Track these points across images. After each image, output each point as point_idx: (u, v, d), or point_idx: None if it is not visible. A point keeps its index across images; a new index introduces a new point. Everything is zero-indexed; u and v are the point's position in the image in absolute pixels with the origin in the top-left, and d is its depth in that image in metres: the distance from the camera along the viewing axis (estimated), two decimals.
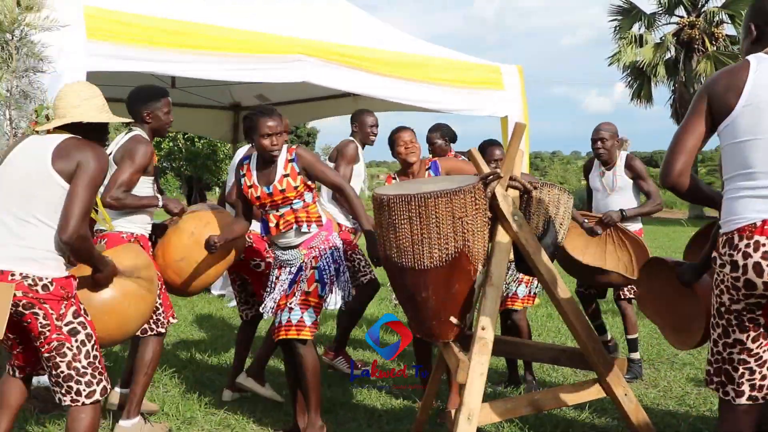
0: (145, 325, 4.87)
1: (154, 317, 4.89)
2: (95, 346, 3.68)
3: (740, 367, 3.14)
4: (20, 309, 3.50)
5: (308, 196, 4.67)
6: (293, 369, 4.82)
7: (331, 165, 6.37)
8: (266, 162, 4.66)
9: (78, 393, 3.61)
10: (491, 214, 4.03)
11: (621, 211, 6.19)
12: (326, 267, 4.65)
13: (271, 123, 4.53)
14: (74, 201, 3.53)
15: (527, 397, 4.34)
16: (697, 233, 4.27)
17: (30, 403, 4.97)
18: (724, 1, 32.14)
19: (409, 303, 4.03)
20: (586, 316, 6.50)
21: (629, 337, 6.35)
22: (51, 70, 5.03)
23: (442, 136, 6.74)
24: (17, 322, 3.58)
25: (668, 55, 33.72)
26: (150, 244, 5.06)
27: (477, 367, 3.89)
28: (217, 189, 45.81)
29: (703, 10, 33.31)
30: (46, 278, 3.53)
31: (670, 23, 34.50)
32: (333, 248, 4.71)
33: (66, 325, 3.57)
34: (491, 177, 4.00)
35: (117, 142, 4.95)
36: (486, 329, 3.94)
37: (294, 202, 4.62)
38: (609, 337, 6.49)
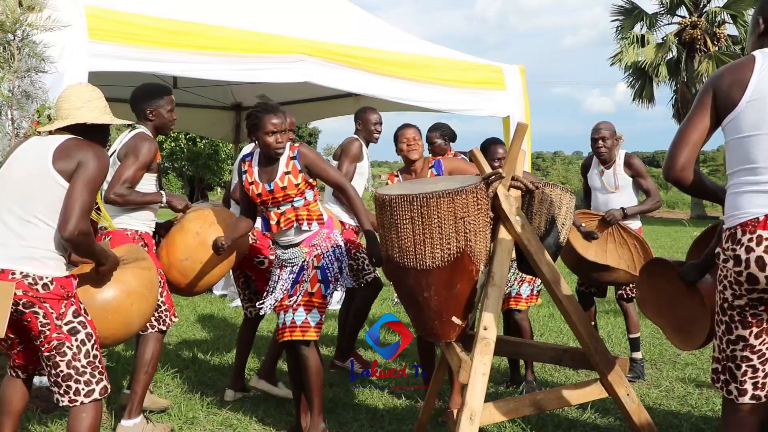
0: (147, 323, 4.89)
1: (156, 314, 4.91)
2: (95, 346, 3.68)
3: (743, 365, 3.13)
4: (20, 308, 3.52)
5: (309, 194, 4.66)
6: (296, 370, 4.82)
7: (335, 163, 6.36)
8: (268, 159, 4.65)
9: (77, 392, 3.61)
10: (493, 214, 4.03)
11: (622, 209, 6.20)
12: (329, 265, 4.65)
13: (276, 120, 4.52)
14: (74, 198, 3.54)
15: (529, 397, 4.33)
16: (699, 237, 4.26)
17: (33, 403, 4.97)
18: (726, 1, 32.13)
19: (411, 303, 4.02)
20: None
21: (631, 336, 6.35)
22: (53, 70, 5.03)
23: (441, 135, 6.74)
24: (18, 321, 3.59)
25: (670, 55, 33.71)
26: (154, 242, 5.07)
27: (479, 367, 3.88)
28: (219, 189, 45.87)
29: (705, 10, 33.30)
30: (47, 277, 3.55)
31: (671, 23, 34.50)
32: (334, 246, 4.71)
33: (66, 324, 3.58)
34: (493, 177, 4.00)
35: (121, 140, 4.97)
36: (488, 329, 3.93)
37: (295, 199, 4.60)
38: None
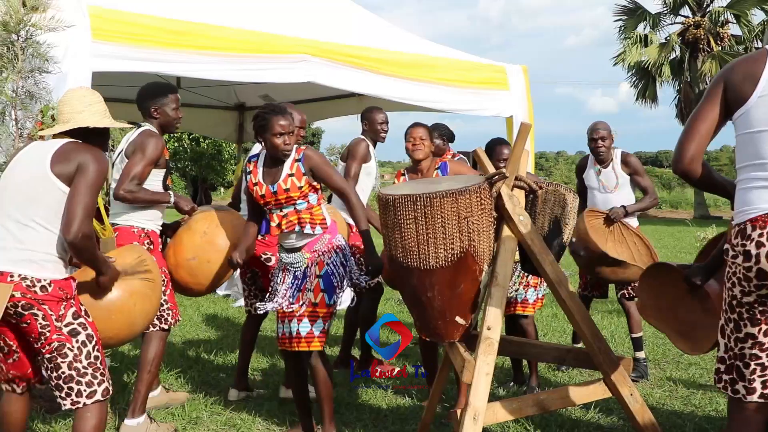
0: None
1: (158, 313, 4.92)
2: (96, 347, 3.69)
3: (752, 363, 3.08)
4: (19, 309, 3.53)
5: (313, 198, 4.63)
6: (297, 375, 4.81)
7: (342, 164, 6.36)
8: (274, 161, 4.63)
9: (79, 394, 3.61)
10: (497, 213, 4.03)
11: (623, 207, 6.22)
12: (332, 272, 4.61)
13: (284, 122, 4.51)
14: (76, 201, 3.55)
15: (533, 397, 4.33)
16: (708, 242, 4.25)
17: (37, 403, 4.98)
18: (730, 1, 32.11)
19: (415, 303, 4.02)
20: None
21: (634, 335, 6.36)
22: (56, 70, 5.03)
23: (440, 135, 6.74)
24: (18, 325, 3.61)
25: (673, 55, 33.71)
26: (161, 243, 5.09)
27: (483, 367, 3.88)
28: (223, 189, 45.88)
29: (708, 10, 33.27)
30: (45, 280, 3.55)
31: (675, 23, 34.50)
32: (337, 251, 4.67)
33: (66, 326, 3.59)
34: (497, 177, 4.00)
35: (127, 139, 5.01)
36: (492, 329, 3.93)
37: (298, 202, 4.58)
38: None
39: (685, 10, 34.11)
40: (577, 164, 6.92)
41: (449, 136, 7.05)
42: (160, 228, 5.10)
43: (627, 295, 6.31)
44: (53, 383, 3.64)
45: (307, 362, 4.65)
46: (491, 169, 4.13)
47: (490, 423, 4.18)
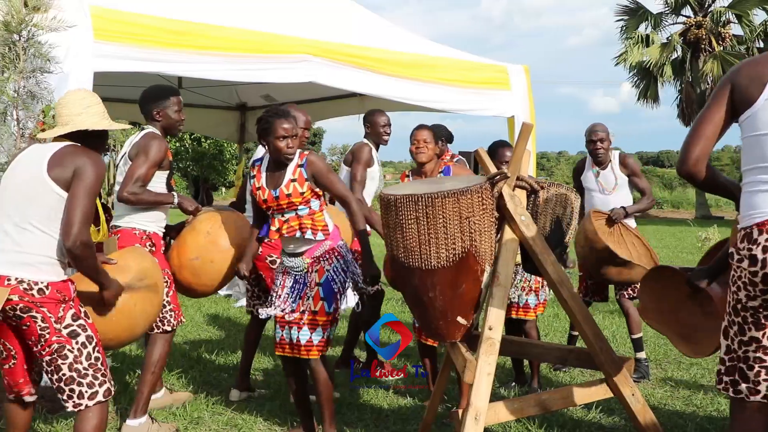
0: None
1: (161, 314, 4.93)
2: (97, 348, 3.69)
3: (756, 366, 3.07)
4: (18, 312, 3.55)
5: (315, 204, 4.61)
6: (296, 378, 4.81)
7: (347, 169, 6.35)
8: (277, 165, 4.63)
9: (80, 395, 3.62)
10: (498, 214, 4.03)
11: (623, 208, 6.24)
12: (332, 279, 4.59)
13: (287, 125, 4.50)
14: (75, 207, 3.57)
15: (535, 397, 4.32)
16: (712, 247, 4.25)
17: (38, 403, 4.97)
18: (731, 1, 32.09)
19: (416, 303, 4.02)
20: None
21: (634, 336, 6.36)
22: (58, 70, 5.03)
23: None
24: (18, 328, 3.63)
25: (675, 55, 33.71)
26: (164, 244, 5.10)
27: (484, 367, 3.88)
28: (224, 189, 45.89)
29: (709, 10, 33.27)
30: (42, 282, 3.57)
31: (676, 23, 34.49)
32: (338, 257, 4.66)
33: (65, 327, 3.59)
34: (498, 177, 4.00)
35: (131, 141, 5.03)
36: (493, 329, 3.93)
37: (299, 208, 4.57)
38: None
39: (687, 10, 34.10)
40: (574, 167, 6.94)
41: (448, 137, 7.05)
42: (164, 230, 5.11)
43: (626, 296, 6.32)
44: (55, 385, 3.64)
45: (306, 365, 4.65)
46: (493, 170, 4.13)
47: (492, 423, 4.18)
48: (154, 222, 4.99)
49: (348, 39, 6.98)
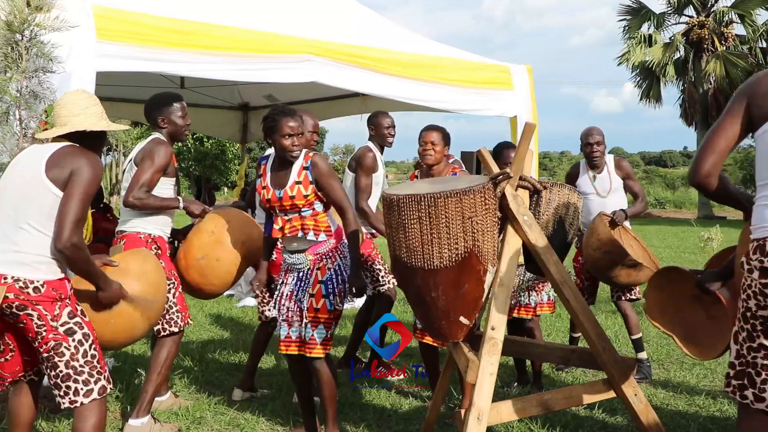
0: (159, 326, 4.96)
1: (168, 316, 4.97)
2: (93, 346, 3.71)
3: (763, 373, 3.06)
4: (14, 310, 3.58)
5: (319, 206, 4.60)
6: (300, 377, 4.81)
7: (351, 175, 6.35)
8: (282, 164, 4.63)
9: (76, 392, 3.64)
10: (501, 214, 4.03)
11: (623, 210, 6.24)
12: (335, 277, 4.59)
13: (293, 123, 4.50)
14: (67, 209, 3.59)
15: (537, 397, 4.32)
16: (721, 251, 4.24)
17: (41, 403, 4.98)
18: (734, 1, 32.08)
19: (419, 303, 4.02)
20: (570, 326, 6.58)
21: (633, 337, 6.36)
22: (61, 70, 5.03)
23: None
24: (15, 324, 3.66)
25: (677, 55, 33.73)
26: (171, 248, 5.14)
27: (487, 367, 3.88)
28: (226, 189, 45.90)
29: (712, 10, 33.28)
30: (37, 281, 3.60)
31: (679, 23, 34.52)
32: (340, 256, 4.66)
33: (62, 325, 3.62)
34: (501, 177, 3.99)
35: (138, 148, 5.09)
36: (496, 329, 3.93)
37: (303, 209, 4.57)
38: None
39: (690, 10, 34.11)
40: (568, 172, 6.95)
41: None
42: (169, 234, 5.16)
43: (623, 297, 6.32)
44: (52, 382, 3.68)
45: (310, 364, 4.65)
46: (496, 170, 4.13)
47: (494, 423, 4.18)
48: (159, 226, 5.03)
49: (350, 39, 6.98)
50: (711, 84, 32.53)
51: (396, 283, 5.93)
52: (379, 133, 6.47)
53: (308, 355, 4.58)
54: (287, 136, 4.49)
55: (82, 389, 3.64)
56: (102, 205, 10.80)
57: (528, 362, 6.17)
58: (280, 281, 4.75)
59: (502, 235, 4.11)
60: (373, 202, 6.27)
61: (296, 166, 4.58)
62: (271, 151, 4.89)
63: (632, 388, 4.19)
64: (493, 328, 3.93)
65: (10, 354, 3.80)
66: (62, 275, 3.70)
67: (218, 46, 6.01)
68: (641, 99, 34.26)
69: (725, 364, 6.47)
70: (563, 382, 6.23)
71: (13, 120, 4.96)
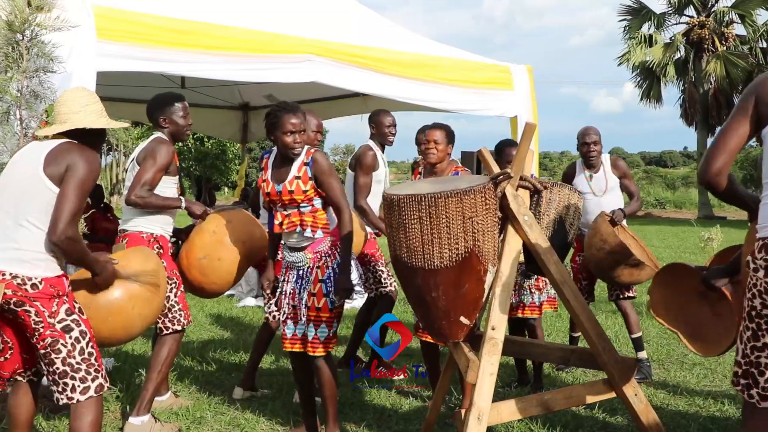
0: (161, 324, 5.00)
1: (170, 315, 5.01)
2: (90, 344, 3.74)
3: (767, 372, 3.06)
4: (12, 306, 3.62)
5: (318, 202, 4.60)
6: (303, 374, 4.82)
7: (352, 174, 6.35)
8: (284, 160, 4.63)
9: (73, 389, 3.67)
10: (501, 214, 4.03)
11: (621, 210, 6.25)
12: (333, 276, 4.59)
13: (295, 120, 4.50)
14: (63, 203, 3.61)
15: (537, 397, 4.33)
16: (724, 249, 4.24)
17: (41, 403, 4.99)
18: (734, 1, 32.08)
19: (419, 303, 4.02)
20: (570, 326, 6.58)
21: (633, 336, 6.36)
22: (61, 70, 5.03)
23: None
24: (13, 321, 3.70)
25: (678, 55, 33.74)
26: (174, 247, 5.19)
27: (487, 367, 3.88)
28: (226, 189, 45.91)
29: (713, 10, 33.28)
30: (35, 278, 3.62)
31: (679, 23, 34.52)
32: (340, 254, 4.65)
33: (59, 322, 3.65)
34: (501, 177, 4.00)
35: (140, 147, 5.13)
36: (496, 329, 3.94)
37: (302, 205, 4.57)
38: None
39: (690, 10, 34.11)
40: (564, 171, 6.95)
41: None
42: (171, 233, 5.19)
43: (622, 296, 6.32)
44: (50, 379, 3.71)
45: (312, 362, 4.66)
46: (496, 169, 4.13)
47: (495, 423, 4.18)
48: (161, 225, 5.06)
49: (351, 39, 6.98)
50: (711, 84, 32.53)
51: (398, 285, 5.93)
52: (380, 132, 6.47)
53: (310, 353, 4.58)
54: (289, 133, 4.49)
55: (78, 386, 3.67)
56: (102, 205, 10.83)
57: (528, 362, 6.17)
58: (282, 279, 4.76)
59: (502, 235, 4.11)
60: (375, 201, 6.26)
61: (297, 162, 4.58)
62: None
63: (632, 388, 4.20)
64: (493, 328, 3.93)
65: (9, 352, 3.82)
66: (60, 272, 3.73)
67: (219, 46, 6.01)
68: (641, 99, 34.27)
69: (725, 364, 6.51)
70: (563, 382, 6.23)
71: (13, 120, 4.97)
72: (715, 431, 5.01)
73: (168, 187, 5.03)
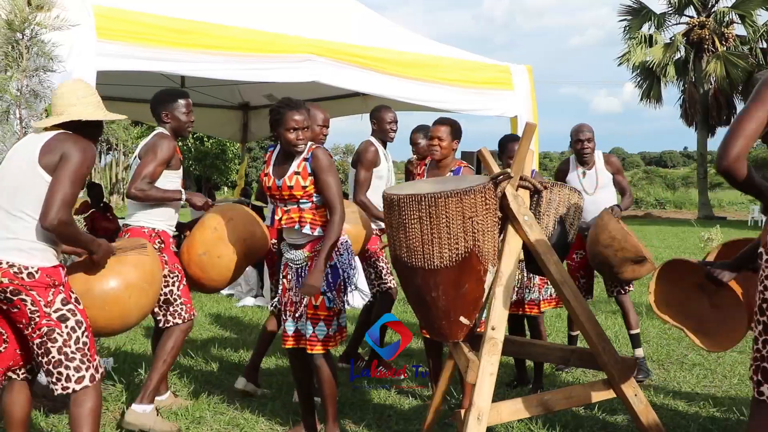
0: (162, 317, 5.07)
1: (171, 309, 5.06)
2: (86, 333, 3.79)
3: None
4: (8, 295, 3.66)
5: (318, 199, 4.58)
6: (301, 373, 4.82)
7: (353, 170, 6.36)
8: (286, 155, 4.62)
9: (68, 379, 3.73)
10: (501, 214, 4.03)
11: (618, 206, 6.25)
12: (333, 274, 4.58)
13: (298, 117, 4.49)
14: (55, 188, 3.65)
15: (537, 397, 4.33)
16: (721, 246, 4.23)
17: (39, 402, 5.00)
18: (735, 1, 32.08)
19: (419, 303, 4.02)
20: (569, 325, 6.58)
21: (632, 332, 6.36)
22: (61, 69, 5.03)
23: (425, 136, 6.70)
24: (8, 312, 3.74)
25: (678, 55, 33.72)
26: (177, 241, 5.24)
27: (487, 367, 3.88)
28: (226, 189, 45.91)
29: (713, 10, 33.27)
30: (32, 267, 3.67)
31: (680, 23, 34.50)
32: (338, 253, 4.64)
33: (55, 311, 3.70)
34: (501, 177, 3.99)
35: (143, 143, 5.17)
36: (496, 329, 3.93)
37: (301, 201, 4.55)
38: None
39: (690, 11, 34.10)
40: (557, 169, 6.94)
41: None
42: (174, 228, 5.22)
43: (623, 291, 6.33)
44: (45, 369, 3.75)
45: (311, 360, 4.65)
46: (496, 170, 4.14)
47: (494, 423, 4.18)
48: (162, 220, 5.09)
49: (351, 39, 6.98)
50: (711, 84, 32.53)
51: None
52: (382, 128, 6.47)
53: (309, 351, 4.58)
54: (292, 130, 4.48)
55: (73, 375, 3.73)
56: (102, 204, 10.84)
57: (528, 362, 6.17)
58: (281, 275, 4.76)
59: (502, 235, 4.11)
60: (375, 196, 6.24)
61: (298, 158, 4.57)
62: None
63: (632, 389, 4.19)
64: (493, 328, 3.93)
65: (4, 345, 3.85)
66: (57, 262, 3.78)
67: (219, 46, 6.02)
68: (641, 99, 34.26)
69: (725, 364, 6.52)
70: (563, 382, 6.22)
71: (13, 119, 4.97)
72: (715, 431, 5.01)
73: (170, 181, 5.08)
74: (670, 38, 33.51)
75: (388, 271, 6.26)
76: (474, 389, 3.89)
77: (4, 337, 3.84)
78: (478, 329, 4.43)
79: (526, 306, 5.86)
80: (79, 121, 3.90)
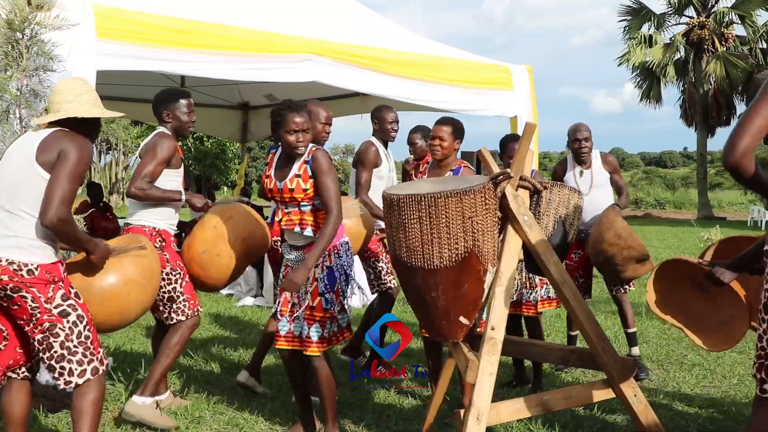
0: (165, 314, 5.10)
1: (174, 306, 5.09)
2: (87, 327, 3.82)
3: None
4: (8, 292, 3.68)
5: (319, 201, 4.57)
6: (298, 372, 4.81)
7: (354, 170, 6.36)
8: (287, 157, 4.62)
9: (70, 373, 3.76)
10: (501, 214, 4.03)
11: (617, 205, 6.25)
12: (331, 276, 4.58)
13: (299, 119, 4.48)
14: (53, 186, 3.66)
15: (537, 397, 4.32)
16: (718, 244, 4.22)
17: (39, 402, 4.99)
18: (734, 2, 32.07)
19: (419, 303, 4.02)
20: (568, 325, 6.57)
21: (629, 330, 6.36)
22: (61, 69, 5.03)
23: (423, 136, 6.70)
24: (8, 309, 3.76)
25: (678, 56, 33.71)
26: (173, 240, 5.22)
27: (486, 367, 3.88)
28: (226, 189, 45.89)
29: (713, 11, 33.26)
30: (31, 264, 3.70)
31: (679, 23, 34.49)
32: (338, 257, 4.64)
33: (56, 307, 3.73)
34: (501, 177, 3.99)
35: (144, 142, 5.17)
36: (495, 329, 3.93)
37: (302, 203, 4.55)
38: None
39: (690, 11, 34.09)
40: (554, 168, 6.93)
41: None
42: (174, 227, 5.24)
43: (623, 290, 6.33)
44: (47, 364, 3.77)
45: (308, 362, 4.65)
46: (496, 170, 4.13)
47: (494, 423, 4.18)
48: (163, 219, 5.11)
49: (351, 39, 6.98)
50: (711, 84, 32.52)
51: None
52: (383, 128, 6.47)
53: (305, 352, 4.58)
54: (292, 132, 4.47)
55: (76, 369, 3.76)
56: (102, 204, 10.84)
57: (527, 362, 6.17)
58: (281, 275, 4.77)
59: (502, 235, 4.11)
60: (375, 196, 6.24)
61: (299, 160, 4.57)
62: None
63: (632, 389, 4.19)
64: (492, 328, 3.93)
65: (4, 342, 3.87)
66: (56, 259, 3.81)
67: (218, 46, 6.02)
68: (641, 99, 34.25)
69: (724, 364, 6.52)
70: (563, 382, 6.22)
71: (13, 118, 4.97)
72: (715, 431, 5.02)
73: (171, 180, 5.10)
74: (670, 38, 33.51)
75: (388, 271, 6.26)
76: (473, 389, 3.89)
77: (5, 334, 3.86)
78: (478, 329, 4.43)
79: (523, 306, 5.86)
80: (76, 118, 3.92)
